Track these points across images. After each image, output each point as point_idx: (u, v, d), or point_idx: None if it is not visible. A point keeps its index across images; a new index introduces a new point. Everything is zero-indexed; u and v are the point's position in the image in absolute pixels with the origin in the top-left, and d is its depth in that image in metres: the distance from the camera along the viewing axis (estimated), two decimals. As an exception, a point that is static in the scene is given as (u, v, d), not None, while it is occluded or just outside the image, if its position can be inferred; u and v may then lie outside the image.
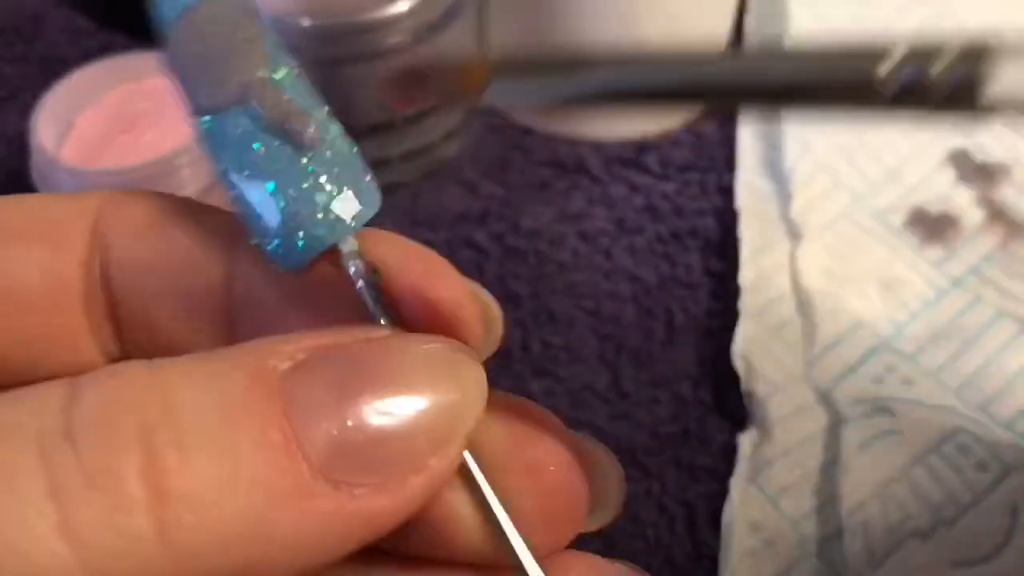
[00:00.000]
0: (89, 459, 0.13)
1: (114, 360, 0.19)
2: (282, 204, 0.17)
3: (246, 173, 0.17)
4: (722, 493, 0.31)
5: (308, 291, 0.18)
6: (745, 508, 0.31)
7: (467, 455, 0.17)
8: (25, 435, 0.13)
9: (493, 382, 0.17)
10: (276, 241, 0.17)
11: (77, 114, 0.38)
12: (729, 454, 0.33)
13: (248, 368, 0.15)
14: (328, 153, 0.17)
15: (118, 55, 0.38)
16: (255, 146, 0.17)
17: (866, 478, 0.30)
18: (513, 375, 0.35)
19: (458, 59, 0.17)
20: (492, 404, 0.17)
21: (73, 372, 0.19)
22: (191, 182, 0.34)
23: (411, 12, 0.36)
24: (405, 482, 0.15)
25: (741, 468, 0.32)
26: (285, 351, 0.15)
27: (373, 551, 0.16)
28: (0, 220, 0.18)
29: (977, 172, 0.39)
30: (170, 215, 0.18)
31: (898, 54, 0.14)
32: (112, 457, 0.13)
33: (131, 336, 0.19)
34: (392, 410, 0.15)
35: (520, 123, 0.43)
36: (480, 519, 0.17)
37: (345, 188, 0.17)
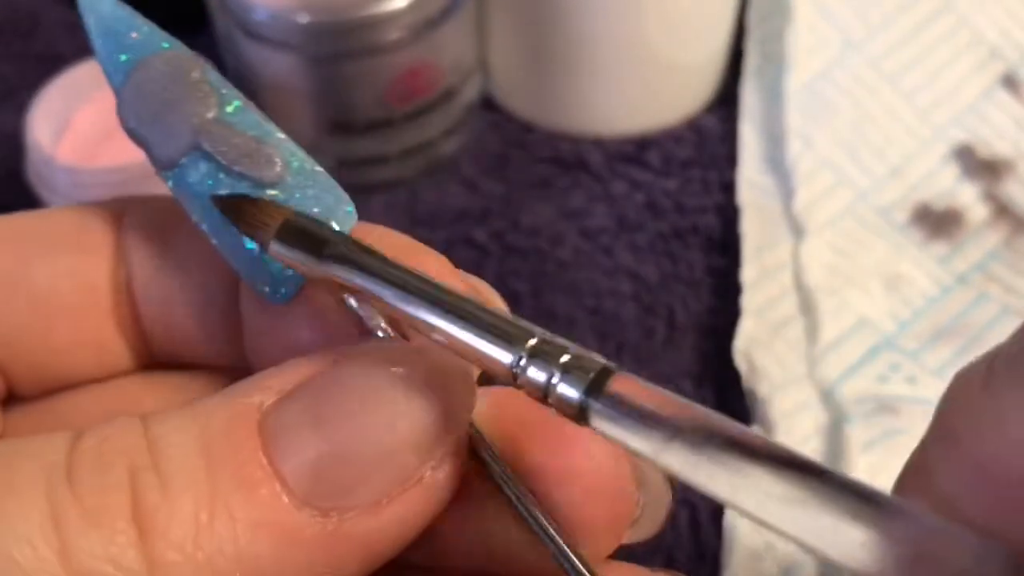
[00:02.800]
0: (86, 496, 0.14)
1: (145, 366, 0.20)
2: (251, 246, 0.17)
3: (214, 219, 0.17)
4: (724, 493, 0.31)
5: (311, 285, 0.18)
6: (748, 508, 0.30)
7: (492, 463, 0.16)
8: (34, 468, 0.14)
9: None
10: (258, 282, 0.17)
11: (73, 112, 0.37)
12: (731, 453, 0.32)
13: (232, 408, 0.15)
14: (289, 179, 0.17)
15: (115, 52, 0.38)
16: (218, 191, 0.17)
17: (870, 478, 0.30)
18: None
19: (263, 201, 0.17)
20: (515, 411, 0.17)
21: (105, 378, 0.20)
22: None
23: (409, 8, 0.36)
24: (399, 499, 0.15)
25: (744, 467, 0.31)
26: (272, 385, 0.15)
27: (408, 567, 0.16)
28: (28, 233, 0.19)
29: (982, 167, 0.38)
30: (184, 219, 0.18)
31: (529, 343, 0.15)
32: (105, 496, 0.14)
33: (154, 339, 0.20)
34: (369, 428, 0.15)
35: (520, 120, 0.42)
36: (517, 529, 0.16)
37: (314, 211, 0.17)
